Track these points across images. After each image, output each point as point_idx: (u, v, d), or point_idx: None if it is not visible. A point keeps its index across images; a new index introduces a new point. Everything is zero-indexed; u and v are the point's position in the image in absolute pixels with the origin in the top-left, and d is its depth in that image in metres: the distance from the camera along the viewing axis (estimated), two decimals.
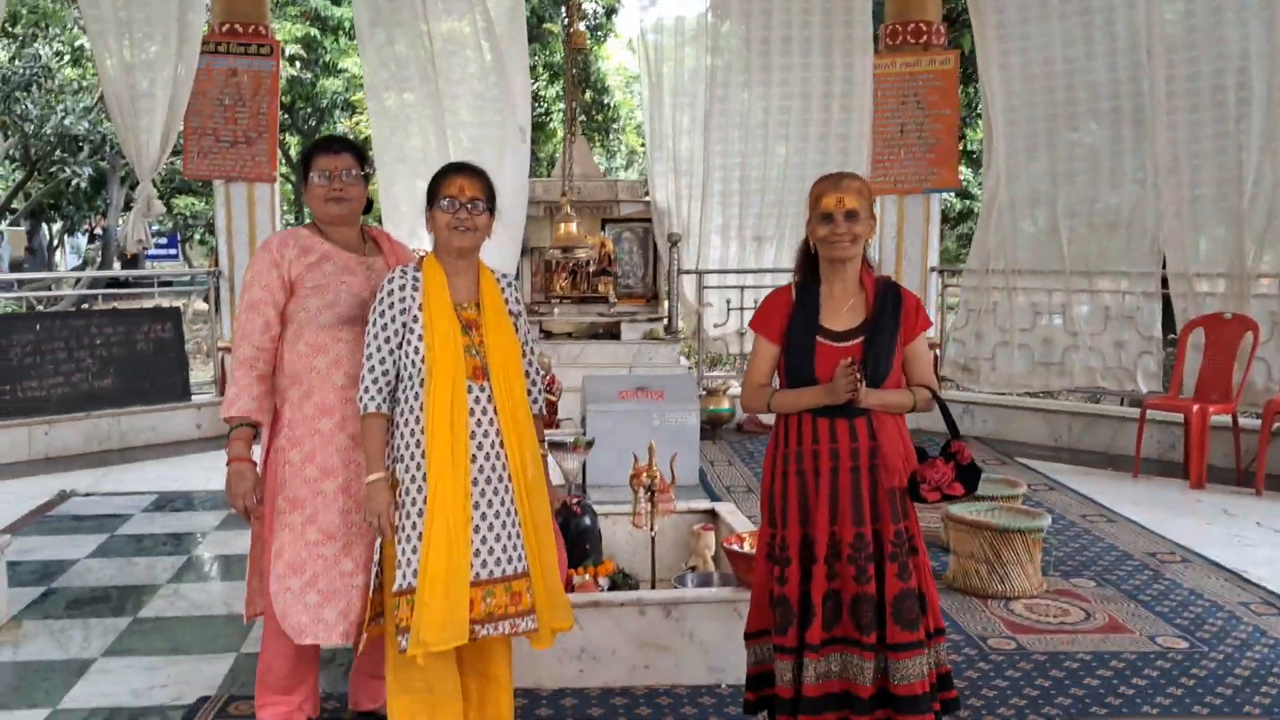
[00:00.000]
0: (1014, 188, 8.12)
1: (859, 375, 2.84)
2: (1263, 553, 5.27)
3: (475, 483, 2.97)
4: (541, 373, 3.32)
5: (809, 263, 3.07)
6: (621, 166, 19.37)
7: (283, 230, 3.36)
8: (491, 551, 2.97)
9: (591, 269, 8.94)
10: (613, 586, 4.04)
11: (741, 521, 4.47)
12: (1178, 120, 7.14)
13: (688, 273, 9.10)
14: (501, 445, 3.01)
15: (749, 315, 8.43)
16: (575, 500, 4.28)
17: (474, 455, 2.97)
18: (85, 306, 10.19)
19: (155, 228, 17.15)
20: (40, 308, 11.40)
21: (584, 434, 5.30)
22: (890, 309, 2.98)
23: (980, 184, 8.29)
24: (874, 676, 2.88)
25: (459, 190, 3.04)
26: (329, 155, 3.26)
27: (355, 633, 3.21)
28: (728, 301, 8.99)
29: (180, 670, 3.92)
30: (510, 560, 2.99)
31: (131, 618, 4.46)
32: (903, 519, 2.94)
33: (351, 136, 19.55)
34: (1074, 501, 6.27)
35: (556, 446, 4.47)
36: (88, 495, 6.52)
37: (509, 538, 3.00)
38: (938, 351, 8.58)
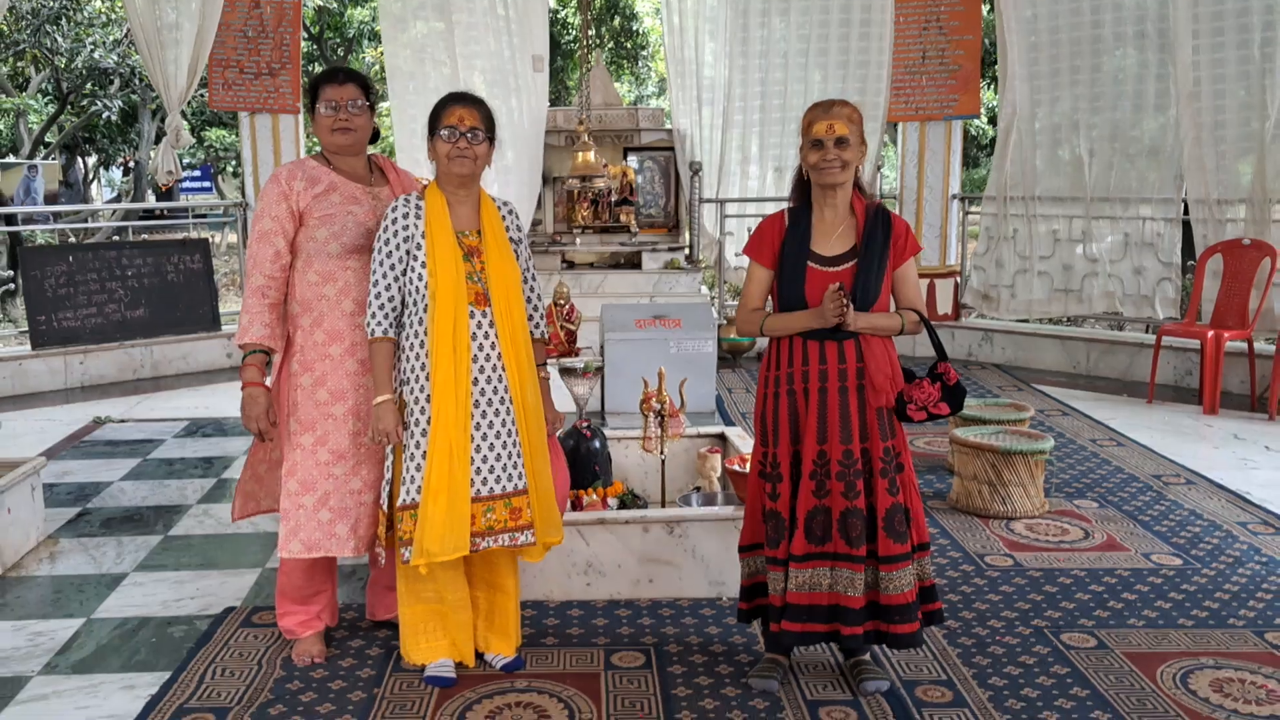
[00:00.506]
0: (1037, 114, 8.06)
1: (845, 299, 2.91)
2: (1266, 475, 5.33)
3: (476, 404, 3.11)
4: (543, 300, 3.41)
5: (802, 189, 3.13)
6: (654, 94, 19.18)
7: (291, 161, 3.45)
8: (492, 470, 3.11)
9: (613, 199, 8.95)
10: (622, 506, 4.16)
11: (749, 445, 4.57)
12: (1201, 45, 7.03)
13: (709, 201, 9.12)
14: (502, 368, 3.14)
15: None
16: (585, 424, 4.41)
17: (475, 378, 3.11)
18: (118, 238, 10.33)
19: (186, 160, 17.30)
20: (75, 240, 11.59)
21: (597, 360, 5.40)
22: (880, 234, 3.04)
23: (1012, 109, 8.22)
24: (864, 588, 3.00)
25: (459, 120, 3.13)
26: (335, 86, 3.31)
27: (365, 547, 3.36)
28: (748, 230, 8.98)
29: (208, 584, 4.10)
30: (510, 478, 3.14)
31: (162, 536, 4.64)
32: (890, 437, 3.03)
33: (377, 66, 19.56)
34: (1085, 426, 6.32)
35: (567, 372, 4.59)
36: (121, 422, 6.68)
37: (508, 456, 3.14)
38: (957, 279, 8.59)
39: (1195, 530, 4.53)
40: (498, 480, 3.13)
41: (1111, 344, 7.84)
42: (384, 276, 3.15)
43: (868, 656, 3.25)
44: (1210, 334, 6.56)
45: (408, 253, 3.13)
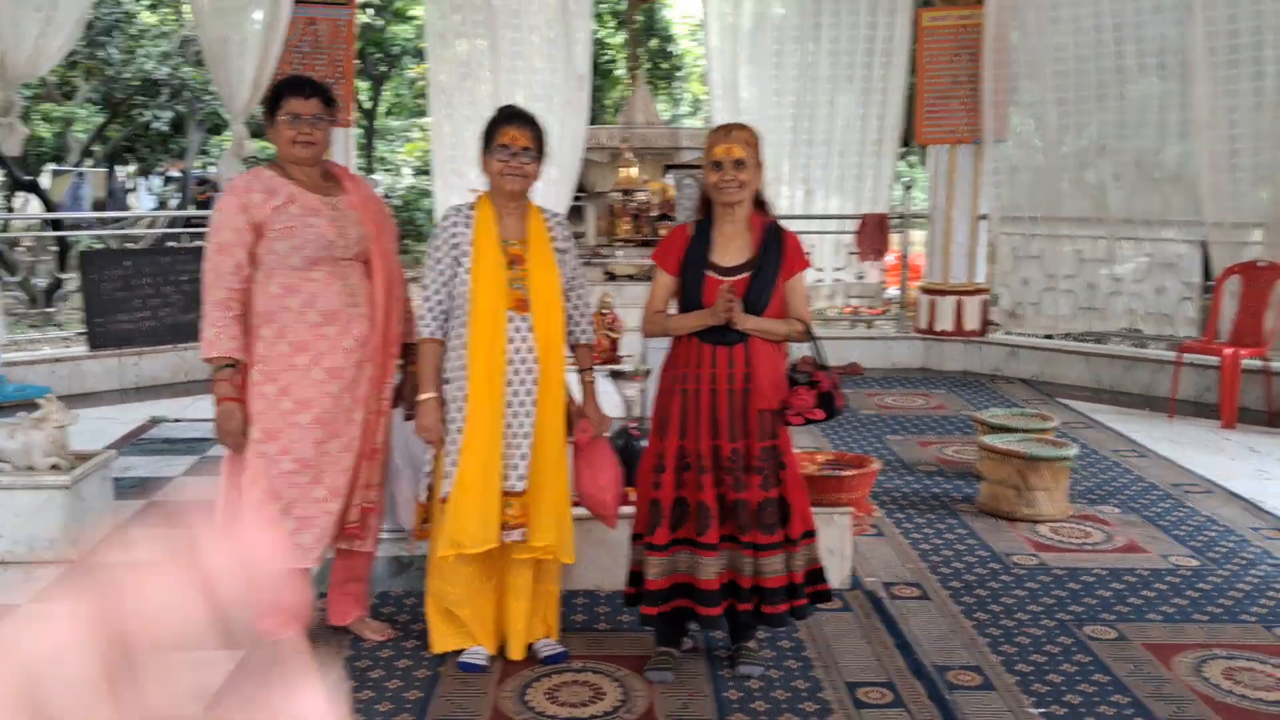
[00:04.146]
0: (1064, 139, 8.29)
1: (732, 297, 3.17)
2: None
3: (509, 404, 3.29)
4: (590, 307, 3.59)
5: (706, 205, 3.40)
6: (688, 114, 19.46)
7: (247, 172, 3.43)
8: (515, 468, 3.31)
9: (653, 213, 9.20)
10: None
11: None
12: (1218, 76, 7.29)
13: None
14: (537, 373, 3.32)
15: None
16: (634, 424, 4.63)
17: (509, 379, 3.29)
18: (170, 245, 10.63)
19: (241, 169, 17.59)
20: (125, 246, 11.89)
21: (646, 364, 5.63)
22: (774, 248, 3.30)
23: (1040, 135, 8.46)
24: (753, 571, 3.27)
25: (512, 139, 3.32)
26: (300, 98, 3.32)
27: (324, 556, 3.42)
28: None
29: None
30: (524, 478, 3.32)
31: None
32: (770, 438, 3.27)
33: (422, 82, 19.84)
34: (1108, 437, 6.52)
35: (618, 375, 4.83)
36: (176, 421, 6.84)
37: (527, 458, 3.33)
38: (985, 296, 8.81)
39: (1211, 535, 4.74)
40: (520, 478, 3.31)
41: (1134, 361, 8.04)
42: (433, 281, 3.35)
43: (752, 644, 3.47)
44: (1228, 352, 6.76)
45: (454, 259, 3.33)
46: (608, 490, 3.50)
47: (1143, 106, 7.93)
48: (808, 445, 5.61)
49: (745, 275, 3.28)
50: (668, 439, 3.30)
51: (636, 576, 3.42)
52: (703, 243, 3.33)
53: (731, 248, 3.32)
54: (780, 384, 3.30)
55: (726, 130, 3.34)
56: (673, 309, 3.39)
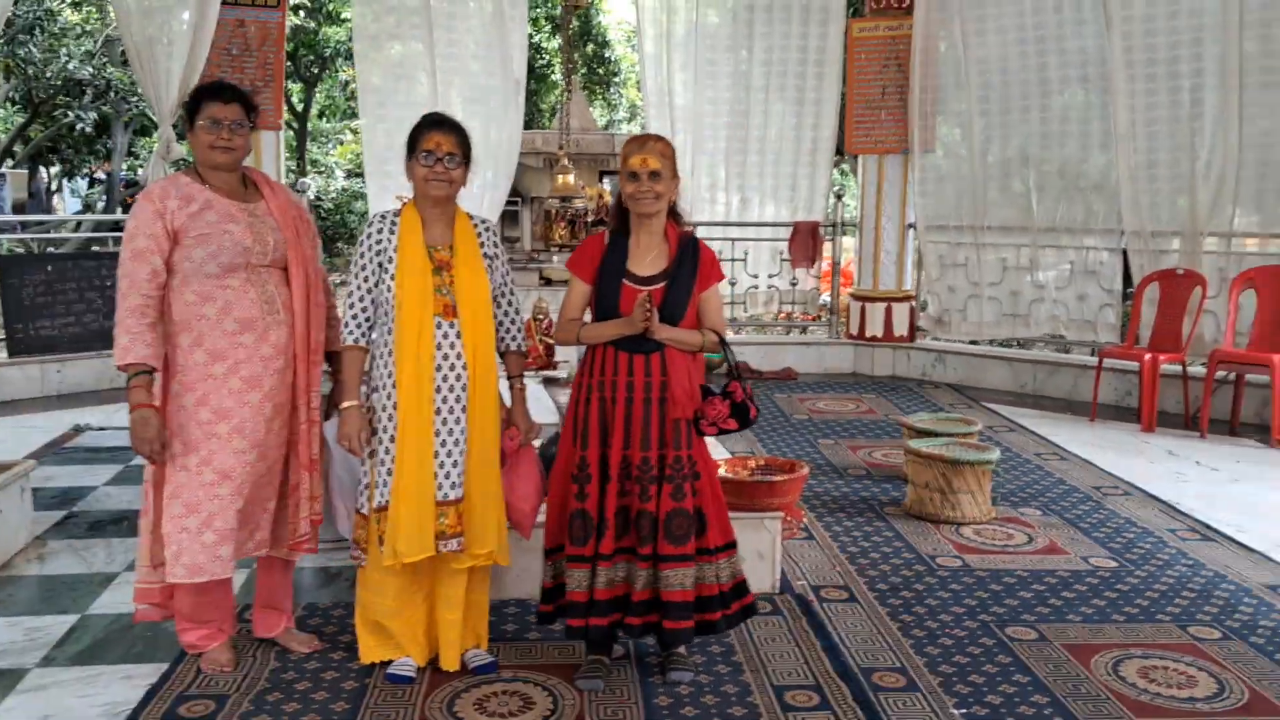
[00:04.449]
0: (990, 149, 8.45)
1: (651, 308, 3.20)
2: (1197, 488, 5.68)
3: (438, 411, 3.27)
4: (520, 314, 3.56)
5: (621, 214, 3.41)
6: (624, 119, 19.48)
7: (163, 179, 3.37)
8: (448, 476, 3.29)
9: (589, 219, 9.19)
10: None
11: (722, 453, 4.83)
12: (1136, 89, 7.50)
13: None
14: (466, 379, 3.30)
15: (738, 267, 8.77)
16: None
17: (438, 386, 3.27)
18: (95, 249, 10.40)
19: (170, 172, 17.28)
20: (48, 250, 11.63)
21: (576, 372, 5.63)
22: (689, 260, 3.33)
23: (966, 145, 8.63)
24: (646, 583, 3.28)
25: (436, 145, 3.29)
26: (220, 103, 3.28)
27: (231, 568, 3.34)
28: (719, 254, 9.28)
29: None
30: (456, 486, 3.30)
31: None
32: (686, 447, 3.29)
33: (354, 85, 19.64)
34: (1031, 441, 6.67)
35: (550, 382, 4.82)
36: (101, 429, 6.71)
37: (459, 465, 3.31)
38: (912, 303, 8.95)
39: (1130, 536, 4.87)
40: (452, 487, 3.29)
41: (1056, 366, 8.24)
42: (358, 287, 3.32)
43: (681, 650, 3.48)
44: (1147, 357, 6.94)
45: (380, 265, 3.31)
46: (527, 500, 3.50)
47: (1065, 117, 8.14)
48: (740, 450, 5.66)
49: (661, 285, 3.30)
50: (589, 448, 3.30)
51: (553, 592, 3.42)
52: (619, 252, 3.34)
53: (648, 258, 3.33)
54: (695, 393, 3.32)
55: (641, 142, 3.34)
56: (587, 317, 3.40)
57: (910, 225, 9.01)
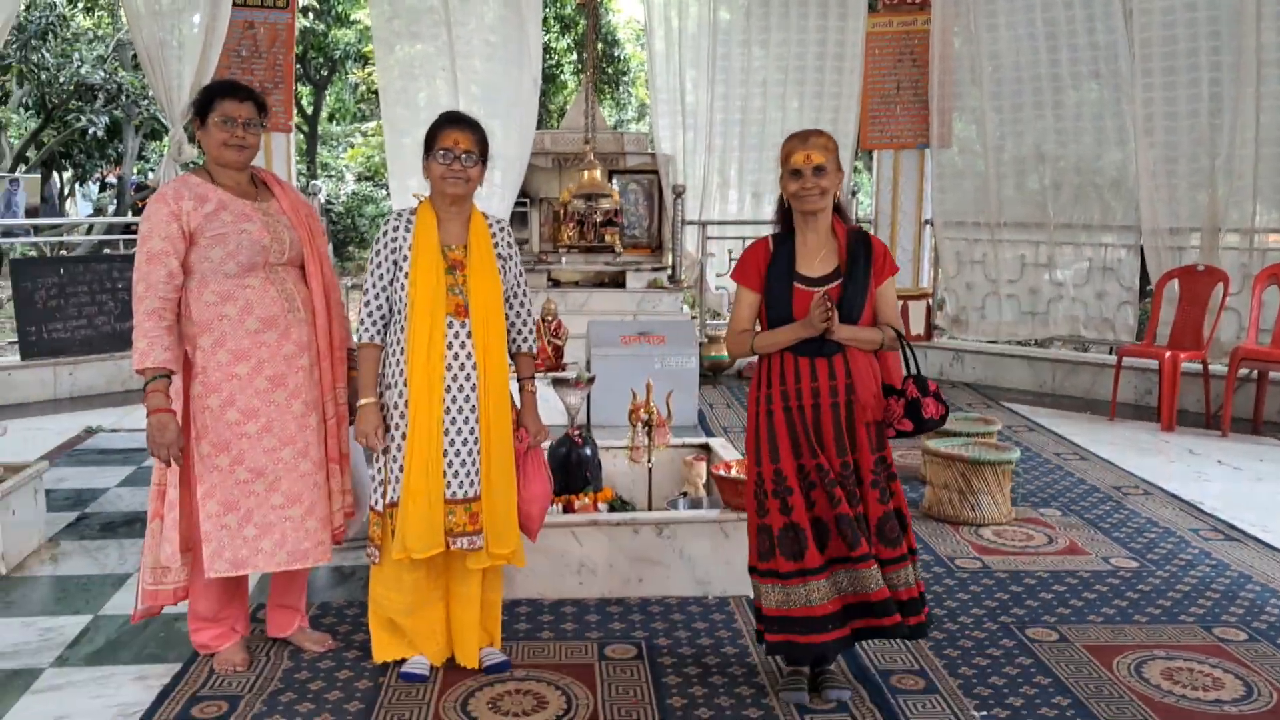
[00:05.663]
0: (1005, 145, 8.39)
1: (831, 306, 3.09)
2: (1218, 487, 5.62)
3: (448, 411, 3.24)
4: (532, 315, 3.53)
5: (785, 215, 3.31)
6: (633, 119, 19.43)
7: (175, 180, 3.35)
8: (457, 475, 3.26)
9: (598, 219, 9.17)
10: (611, 511, 4.32)
11: (733, 454, 4.75)
12: (1154, 84, 7.44)
13: (691, 223, 9.37)
14: (476, 378, 3.27)
15: None
16: (577, 431, 4.58)
17: (448, 385, 3.24)
18: (106, 252, 10.42)
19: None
20: (60, 254, 11.67)
21: (590, 371, 5.60)
22: (862, 255, 3.20)
23: (981, 141, 8.56)
24: (858, 588, 3.14)
25: (454, 143, 3.27)
26: (235, 101, 3.29)
27: (295, 560, 3.36)
28: (729, 252, 9.27)
29: None
30: (472, 484, 3.28)
31: None
32: (879, 449, 3.18)
33: (363, 87, 19.68)
34: (1050, 441, 6.60)
35: (560, 382, 4.78)
36: (113, 431, 6.74)
37: (472, 463, 3.28)
38: (929, 301, 8.89)
39: (1151, 536, 4.80)
40: (461, 485, 3.26)
41: (1075, 364, 8.17)
42: (373, 286, 3.31)
43: (833, 667, 3.37)
44: (1167, 355, 6.87)
45: (394, 264, 3.30)
46: (535, 502, 3.47)
47: (1079, 114, 8.07)
48: None
49: (835, 284, 3.17)
50: (781, 460, 3.16)
51: (762, 611, 3.25)
52: (786, 255, 3.22)
53: (817, 258, 3.21)
54: (879, 395, 3.20)
55: (804, 137, 3.20)
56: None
57: (927, 221, 8.95)
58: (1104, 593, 4.13)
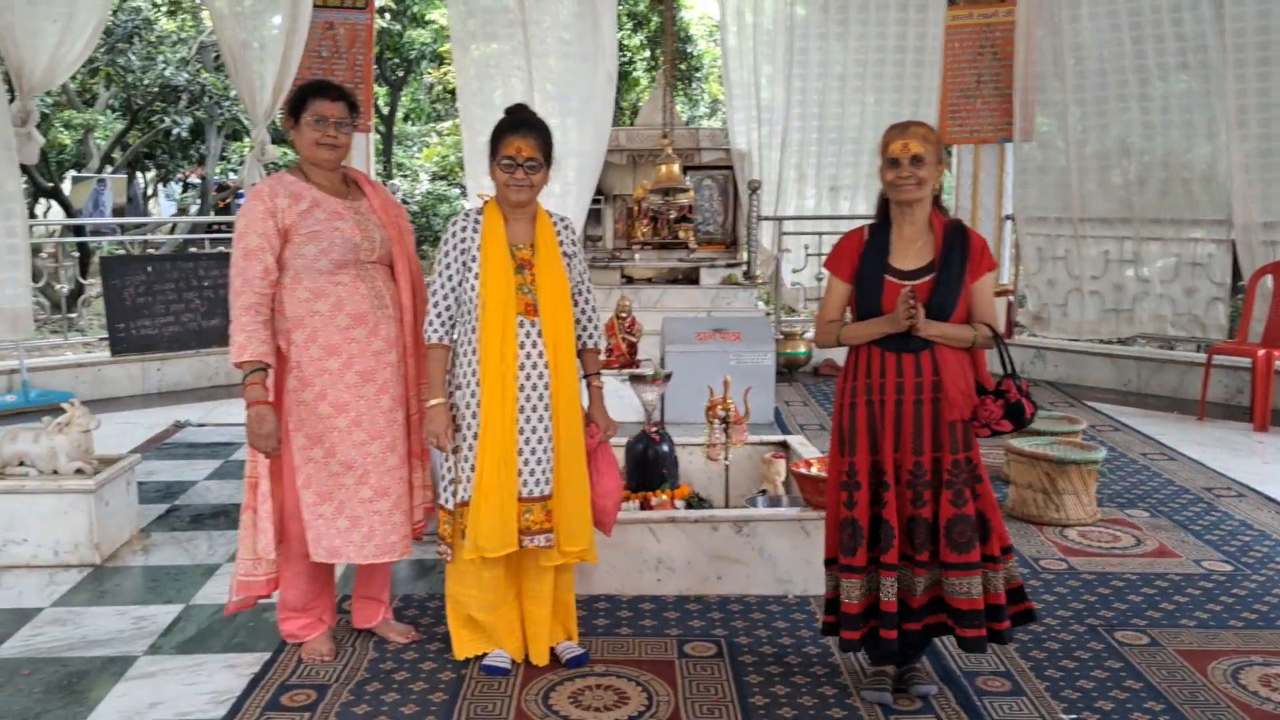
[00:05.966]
0: (1088, 139, 8.20)
1: (916, 303, 3.04)
2: None
3: (521, 410, 3.27)
4: (597, 312, 3.54)
5: (883, 206, 3.26)
6: (705, 115, 19.41)
7: (269, 178, 3.41)
8: (533, 473, 3.29)
9: (672, 216, 9.15)
10: (688, 508, 4.33)
11: (812, 452, 4.72)
12: (1247, 74, 7.21)
13: (767, 219, 9.31)
14: (548, 377, 3.30)
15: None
16: (654, 428, 4.59)
17: (521, 384, 3.28)
18: (192, 251, 10.65)
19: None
20: (147, 252, 11.95)
21: (666, 368, 5.60)
22: (958, 249, 3.13)
23: (1063, 135, 8.39)
24: (926, 588, 3.11)
25: (516, 151, 3.30)
26: (327, 101, 3.34)
27: (382, 552, 3.42)
28: (805, 248, 9.20)
29: None
30: (546, 482, 3.31)
31: None
32: (963, 450, 3.11)
33: (439, 87, 19.87)
34: (1137, 441, 6.45)
35: (637, 379, 4.79)
36: (200, 425, 6.91)
37: (546, 461, 3.31)
38: (1011, 298, 8.73)
39: (1245, 539, 4.67)
40: (537, 483, 3.30)
41: (1162, 363, 7.97)
42: (442, 286, 3.35)
43: (918, 665, 3.34)
44: (1261, 353, 6.67)
45: (463, 264, 3.33)
46: (609, 498, 3.49)
47: (1165, 106, 7.84)
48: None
49: (928, 279, 3.12)
50: (859, 454, 3.15)
51: (833, 603, 3.24)
52: (879, 246, 3.19)
53: (911, 250, 3.17)
54: (970, 393, 3.15)
55: (903, 127, 3.16)
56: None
57: (1007, 217, 8.80)
58: (1196, 596, 4.03)
